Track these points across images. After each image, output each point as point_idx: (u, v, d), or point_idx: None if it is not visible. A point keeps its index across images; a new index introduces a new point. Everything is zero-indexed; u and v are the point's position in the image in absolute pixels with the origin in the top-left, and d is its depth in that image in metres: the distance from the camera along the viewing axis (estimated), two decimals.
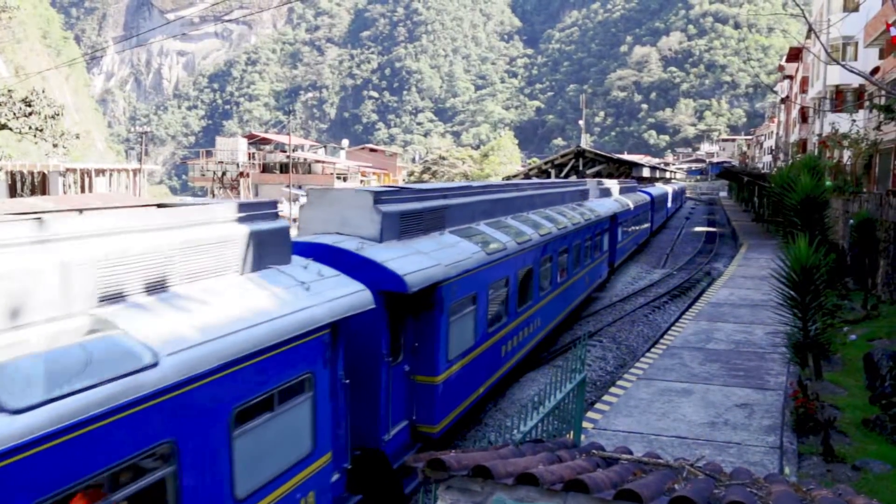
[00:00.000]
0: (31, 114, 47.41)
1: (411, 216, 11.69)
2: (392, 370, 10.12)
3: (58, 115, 49.63)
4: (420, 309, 10.68)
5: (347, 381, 8.56)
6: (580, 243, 21.79)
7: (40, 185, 45.60)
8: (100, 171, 53.45)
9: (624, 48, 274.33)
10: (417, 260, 10.59)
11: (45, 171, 45.69)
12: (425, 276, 10.26)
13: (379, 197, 10.95)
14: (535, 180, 25.65)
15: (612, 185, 36.75)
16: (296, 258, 8.42)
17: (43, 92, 50.64)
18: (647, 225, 43.45)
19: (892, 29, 27.46)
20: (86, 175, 50.66)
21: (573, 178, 39.19)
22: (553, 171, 46.85)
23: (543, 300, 17.32)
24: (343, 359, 8.48)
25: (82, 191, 49.07)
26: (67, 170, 48.09)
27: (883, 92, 22.13)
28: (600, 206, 26.56)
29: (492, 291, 13.43)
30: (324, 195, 11.29)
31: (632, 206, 34.72)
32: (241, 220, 7.48)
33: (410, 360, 10.68)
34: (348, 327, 8.50)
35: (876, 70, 36.45)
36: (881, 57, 38.70)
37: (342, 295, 8.06)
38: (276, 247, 7.88)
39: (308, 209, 11.29)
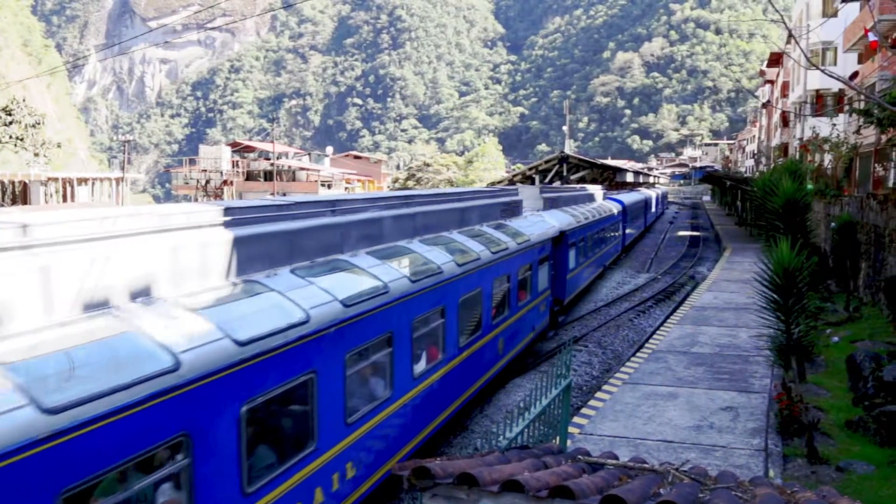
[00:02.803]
0: (11, 123, 47.10)
1: None
2: None
3: (39, 123, 49.41)
4: None
5: None
6: (479, 292, 13.78)
7: (21, 195, 45.22)
8: (82, 181, 53.13)
9: (607, 54, 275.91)
10: None
11: (26, 181, 45.32)
12: None
13: None
14: (412, 191, 15.53)
15: (596, 189, 36.60)
16: None
17: (24, 101, 50.37)
18: (617, 239, 37.06)
19: (870, 34, 27.82)
20: (68, 184, 50.34)
21: (499, 187, 24.85)
22: (537, 177, 46.92)
23: (378, 415, 9.57)
24: None
25: (64, 200, 48.73)
26: (49, 179, 47.75)
27: (862, 96, 22.36)
28: (535, 226, 19.28)
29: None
30: None
31: (593, 218, 28.21)
32: None
33: None
34: None
35: (855, 74, 36.85)
36: (860, 61, 39.15)
37: None
38: None
39: None
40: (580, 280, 25.88)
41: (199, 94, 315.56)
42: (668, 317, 22.18)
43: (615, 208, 35.84)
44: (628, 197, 44.86)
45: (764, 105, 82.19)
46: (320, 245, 9.66)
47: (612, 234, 34.73)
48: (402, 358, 10.35)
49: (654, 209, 64.64)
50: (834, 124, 35.21)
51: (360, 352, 9.09)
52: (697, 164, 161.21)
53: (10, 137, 46.70)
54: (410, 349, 10.66)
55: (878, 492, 9.09)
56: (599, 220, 29.85)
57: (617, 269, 35.86)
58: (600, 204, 33.51)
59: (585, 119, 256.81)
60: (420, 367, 11.17)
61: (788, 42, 54.27)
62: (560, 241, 21.84)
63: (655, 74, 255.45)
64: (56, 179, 48.68)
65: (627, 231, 41.64)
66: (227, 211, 8.20)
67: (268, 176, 68.09)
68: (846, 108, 31.86)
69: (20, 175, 44.91)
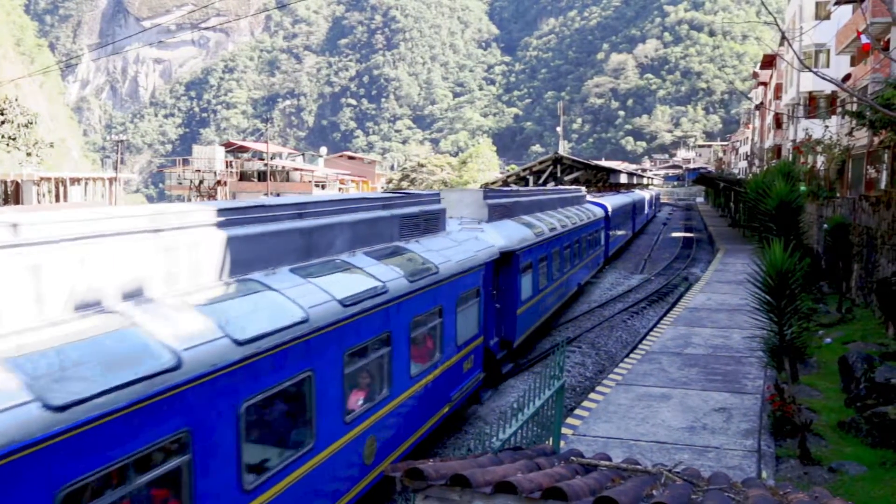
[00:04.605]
0: (3, 122, 46.90)
1: None
2: None
3: (31, 123, 49.22)
4: None
5: None
6: (307, 378, 7.83)
7: (14, 195, 45.07)
8: (75, 180, 52.98)
9: (601, 55, 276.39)
10: None
11: (19, 180, 45.17)
12: None
13: None
14: (194, 204, 8.71)
15: (581, 190, 36.26)
16: None
17: (16, 100, 50.16)
18: (598, 250, 31.76)
19: (862, 36, 27.93)
20: (60, 184, 50.19)
21: (402, 191, 17.72)
22: (531, 178, 46.97)
23: None
24: None
25: (57, 200, 48.57)
26: (42, 179, 47.61)
27: (855, 98, 22.45)
28: (458, 248, 13.24)
29: None
30: None
31: (563, 228, 22.74)
32: None
33: None
34: None
35: (848, 77, 36.99)
36: (853, 64, 39.32)
37: None
38: None
39: None
40: (539, 311, 19.78)
41: (192, 94, 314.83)
42: (661, 318, 22.20)
43: (596, 214, 31.05)
44: (613, 200, 39.99)
45: (757, 107, 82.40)
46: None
47: (591, 245, 29.23)
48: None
49: (646, 211, 64.18)
50: (827, 126, 35.34)
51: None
52: (691, 166, 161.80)
53: (3, 137, 46.50)
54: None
55: (870, 493, 9.11)
56: (572, 230, 24.28)
57: (610, 271, 35.88)
58: (577, 209, 28.37)
59: (579, 120, 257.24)
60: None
61: (781, 44, 54.45)
62: (507, 264, 16.50)
63: (649, 76, 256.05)
64: (49, 179, 48.52)
65: (612, 238, 36.86)
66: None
67: (261, 176, 68.04)
68: (839, 110, 31.97)
69: (13, 175, 44.75)
